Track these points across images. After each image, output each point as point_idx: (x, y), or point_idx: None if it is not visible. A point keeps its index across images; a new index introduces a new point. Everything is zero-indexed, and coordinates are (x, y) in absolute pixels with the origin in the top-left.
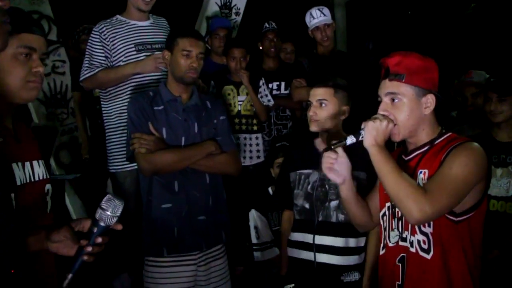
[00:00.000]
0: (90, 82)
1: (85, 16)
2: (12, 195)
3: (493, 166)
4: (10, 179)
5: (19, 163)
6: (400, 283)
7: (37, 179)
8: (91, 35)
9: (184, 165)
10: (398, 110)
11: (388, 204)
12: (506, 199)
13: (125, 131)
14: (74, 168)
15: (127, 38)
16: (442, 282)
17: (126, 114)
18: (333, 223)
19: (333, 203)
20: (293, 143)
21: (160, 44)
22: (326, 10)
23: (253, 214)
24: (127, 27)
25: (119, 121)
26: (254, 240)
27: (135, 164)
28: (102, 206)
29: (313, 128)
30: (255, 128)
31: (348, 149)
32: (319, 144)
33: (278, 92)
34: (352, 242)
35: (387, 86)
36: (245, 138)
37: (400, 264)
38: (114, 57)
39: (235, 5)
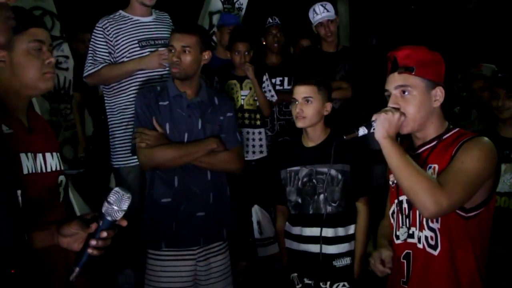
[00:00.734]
0: (93, 78)
1: (88, 12)
2: (19, 192)
3: None
4: (15, 176)
5: (30, 154)
6: (405, 280)
7: (49, 170)
8: (94, 31)
9: (185, 161)
10: (408, 102)
11: (396, 200)
12: (509, 194)
13: (129, 126)
14: (77, 163)
15: (131, 34)
16: (449, 279)
17: (129, 109)
18: (322, 214)
19: (322, 196)
20: (280, 141)
21: (163, 40)
22: (329, 6)
23: (256, 210)
24: (130, 23)
25: (122, 117)
26: (257, 235)
27: None
28: (109, 200)
29: (300, 124)
30: (258, 122)
31: (335, 143)
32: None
33: (281, 87)
34: (341, 231)
35: (396, 79)
36: (247, 133)
37: (405, 261)
38: (117, 53)
39: (237, 0)
